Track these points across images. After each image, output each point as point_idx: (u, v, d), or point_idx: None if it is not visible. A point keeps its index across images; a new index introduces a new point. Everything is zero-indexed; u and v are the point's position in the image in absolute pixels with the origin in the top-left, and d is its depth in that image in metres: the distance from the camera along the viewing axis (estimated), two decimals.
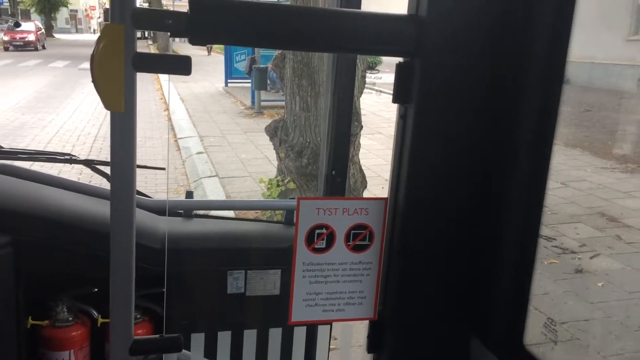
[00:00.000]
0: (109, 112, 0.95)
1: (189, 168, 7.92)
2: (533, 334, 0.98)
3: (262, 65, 12.75)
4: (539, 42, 0.81)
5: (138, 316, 1.78)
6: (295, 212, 0.93)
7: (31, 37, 32.72)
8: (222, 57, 18.26)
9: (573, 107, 11.66)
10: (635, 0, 16.01)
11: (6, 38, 32.59)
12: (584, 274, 4.88)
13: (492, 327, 0.93)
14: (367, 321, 1.03)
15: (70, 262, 1.70)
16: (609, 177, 7.87)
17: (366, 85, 5.80)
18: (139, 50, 0.91)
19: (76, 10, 74.91)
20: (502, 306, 0.92)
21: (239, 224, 2.17)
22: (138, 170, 1.05)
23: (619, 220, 6.16)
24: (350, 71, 1.61)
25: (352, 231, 0.97)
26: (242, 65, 15.14)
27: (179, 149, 9.04)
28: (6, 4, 48.30)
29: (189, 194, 2.05)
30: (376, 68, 18.58)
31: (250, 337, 1.82)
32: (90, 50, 0.91)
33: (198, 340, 1.77)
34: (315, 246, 0.96)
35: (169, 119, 11.45)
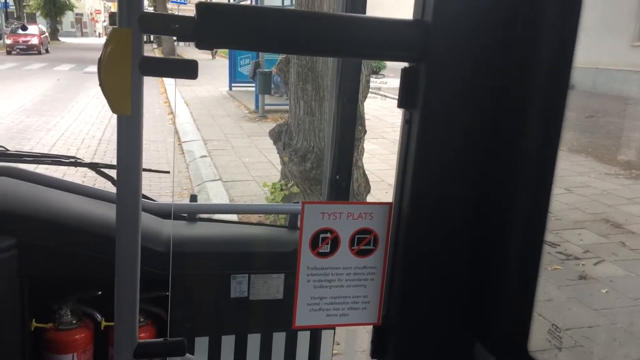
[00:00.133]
0: (114, 115, 0.95)
1: (193, 171, 7.93)
2: (537, 341, 0.97)
3: (266, 70, 12.77)
4: (545, 48, 0.81)
5: (141, 320, 1.78)
6: (299, 216, 0.93)
7: (34, 41, 32.19)
8: (226, 61, 18.32)
9: (577, 113, 11.65)
10: None
11: (9, 41, 32.09)
12: (588, 280, 4.87)
13: (496, 333, 0.93)
14: (371, 326, 1.03)
15: (74, 265, 1.70)
16: (613, 183, 7.85)
17: (371, 90, 5.80)
18: (143, 53, 0.92)
19: (82, 14, 75.27)
20: (506, 312, 0.92)
21: (243, 228, 2.18)
22: (142, 174, 1.05)
23: (623, 227, 6.14)
24: (355, 76, 1.61)
25: (357, 236, 0.97)
26: (246, 69, 15.18)
27: (183, 153, 9.05)
28: (12, 8, 48.56)
29: (193, 198, 2.05)
30: (380, 73, 18.62)
31: (254, 341, 1.82)
32: (95, 54, 0.92)
33: (202, 344, 1.77)
34: (320, 250, 0.96)
35: (174, 123, 11.48)
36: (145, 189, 1.21)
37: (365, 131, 5.60)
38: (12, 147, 2.17)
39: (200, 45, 0.83)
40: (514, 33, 0.82)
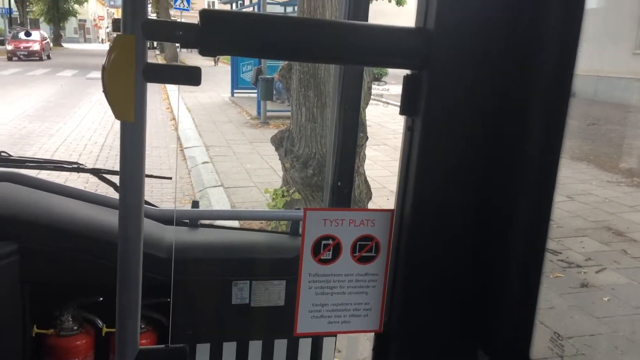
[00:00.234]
0: (116, 121, 0.96)
1: (195, 177, 7.94)
2: (539, 349, 0.97)
3: (268, 76, 12.81)
4: (547, 55, 0.81)
5: (142, 326, 1.77)
6: (300, 222, 0.93)
7: (36, 47, 31.36)
8: (228, 68, 18.37)
9: (579, 121, 11.65)
10: None
11: (10, 47, 31.18)
12: (590, 288, 4.85)
13: (498, 341, 0.93)
14: (372, 334, 1.03)
15: (76, 271, 1.70)
16: (614, 191, 7.84)
17: (373, 97, 5.81)
18: (147, 60, 0.92)
19: (85, 20, 75.60)
20: (508, 319, 0.92)
21: (244, 234, 2.18)
22: (145, 180, 1.05)
23: (625, 235, 6.12)
24: (357, 83, 1.61)
25: (359, 242, 0.97)
26: (248, 75, 15.22)
27: (185, 159, 9.07)
28: (16, 13, 48.81)
29: (195, 204, 2.06)
30: (382, 80, 18.66)
31: (255, 348, 1.81)
32: (97, 60, 0.93)
33: (203, 350, 1.77)
34: (322, 257, 0.96)
35: (177, 129, 11.50)
36: (147, 195, 1.21)
37: (367, 138, 5.61)
38: (15, 152, 2.17)
39: (203, 52, 0.84)
40: (516, 40, 0.83)
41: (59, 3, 51.97)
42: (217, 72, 23.00)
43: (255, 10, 15.54)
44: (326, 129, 5.23)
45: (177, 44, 0.87)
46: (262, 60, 13.22)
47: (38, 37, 32.03)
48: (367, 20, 1.50)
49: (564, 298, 4.64)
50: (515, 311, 0.91)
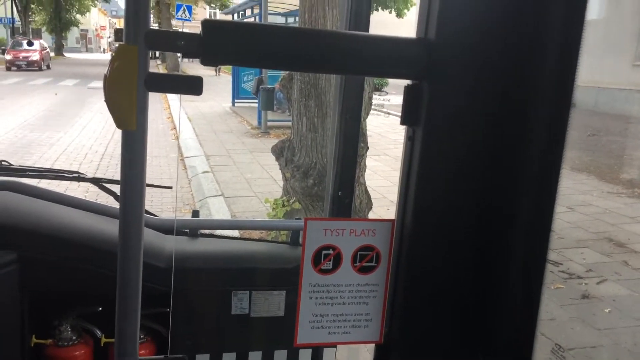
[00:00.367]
0: (117, 130, 0.96)
1: (195, 187, 7.94)
2: None
3: (269, 86, 12.85)
4: (548, 66, 0.81)
5: (142, 336, 1.77)
6: (300, 232, 0.93)
7: (35, 57, 30.26)
8: (229, 77, 18.43)
9: (579, 132, 11.66)
10: None
11: (9, 57, 30.04)
12: (591, 300, 4.84)
13: (499, 352, 0.92)
14: (373, 344, 1.02)
15: (76, 280, 1.69)
16: (615, 202, 7.83)
17: (374, 107, 5.82)
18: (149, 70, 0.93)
19: (87, 30, 75.97)
20: (509, 330, 0.91)
21: (244, 244, 2.17)
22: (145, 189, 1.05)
23: (626, 246, 6.11)
24: (357, 93, 1.62)
25: (359, 252, 0.97)
26: (249, 85, 15.27)
27: (185, 168, 9.07)
28: (18, 23, 49.03)
29: (196, 213, 2.05)
30: (383, 90, 18.70)
31: (255, 358, 1.80)
32: (99, 69, 0.93)
33: None
34: (322, 267, 0.95)
35: (177, 139, 11.52)
36: (147, 204, 1.21)
37: (368, 148, 5.61)
38: (15, 161, 2.17)
39: (205, 62, 0.84)
40: (517, 50, 0.83)
41: (61, 13, 52.24)
42: (218, 82, 23.08)
43: (257, 20, 15.62)
44: (327, 138, 5.23)
45: (179, 54, 0.88)
46: (263, 70, 13.27)
47: (38, 46, 31.13)
48: (368, 30, 1.50)
49: (564, 309, 4.62)
50: (517, 319, 0.90)
